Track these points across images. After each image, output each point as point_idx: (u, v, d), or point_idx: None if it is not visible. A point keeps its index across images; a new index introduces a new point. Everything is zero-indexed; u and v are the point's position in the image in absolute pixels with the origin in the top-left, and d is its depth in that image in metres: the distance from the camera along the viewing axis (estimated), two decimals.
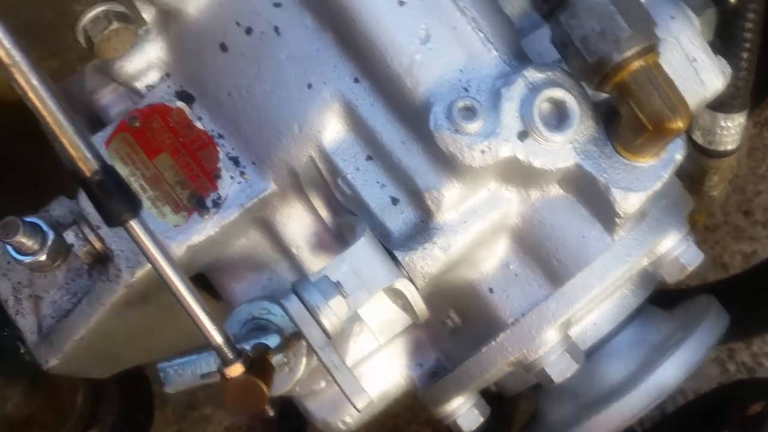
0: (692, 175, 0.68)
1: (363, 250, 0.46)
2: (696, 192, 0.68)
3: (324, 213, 0.54)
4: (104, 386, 0.71)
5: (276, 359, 0.47)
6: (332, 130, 0.49)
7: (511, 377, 0.55)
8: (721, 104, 0.60)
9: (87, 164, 0.34)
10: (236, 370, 0.37)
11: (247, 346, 0.46)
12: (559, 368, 0.48)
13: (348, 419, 0.58)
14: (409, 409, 0.91)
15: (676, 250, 0.50)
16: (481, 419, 0.56)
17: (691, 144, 0.65)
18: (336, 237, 0.55)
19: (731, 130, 0.62)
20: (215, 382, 0.48)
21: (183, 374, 0.48)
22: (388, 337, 0.57)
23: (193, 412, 0.93)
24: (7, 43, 0.32)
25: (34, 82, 0.33)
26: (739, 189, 0.93)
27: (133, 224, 0.35)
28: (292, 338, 0.41)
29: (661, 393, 0.49)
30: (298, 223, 0.54)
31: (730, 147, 0.64)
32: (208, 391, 0.94)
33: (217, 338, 0.37)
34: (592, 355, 0.53)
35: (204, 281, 0.60)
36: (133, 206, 0.35)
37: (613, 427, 0.50)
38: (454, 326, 0.55)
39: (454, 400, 0.56)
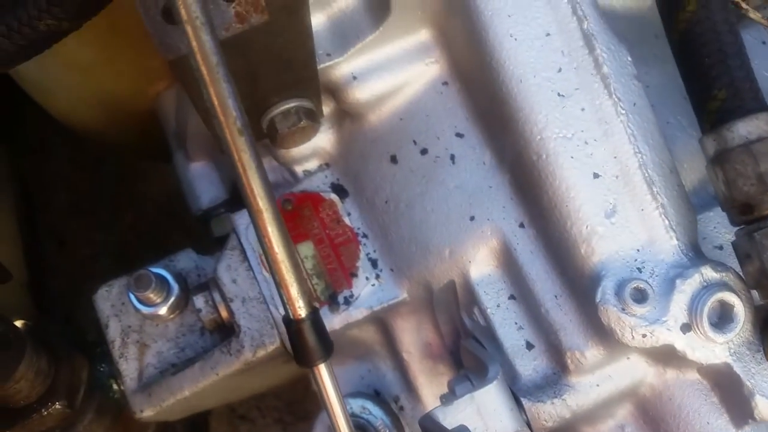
0: None
1: (494, 394, 0.46)
2: None
3: (445, 330, 0.55)
4: (170, 425, 0.72)
5: None
6: (482, 263, 0.50)
7: None
8: None
9: (299, 309, 0.35)
10: None
11: None
12: None
13: None
14: None
15: None
16: None
17: None
18: (449, 352, 0.56)
19: None
20: None
21: None
22: None
23: None
24: (258, 188, 0.33)
25: (273, 217, 0.34)
26: None
27: (321, 368, 0.36)
28: None
29: None
30: (416, 331, 0.55)
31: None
32: (249, 427, 0.95)
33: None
34: None
35: None
36: (327, 353, 0.36)
37: None
38: None
39: None
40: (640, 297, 0.44)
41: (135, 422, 0.67)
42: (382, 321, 0.56)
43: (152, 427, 0.68)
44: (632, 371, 0.48)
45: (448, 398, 0.47)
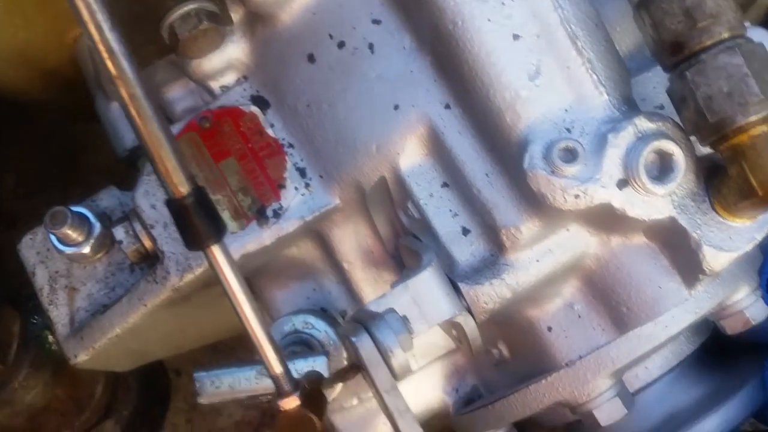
0: None
1: (428, 280, 0.44)
2: None
3: (383, 231, 0.52)
4: (122, 378, 0.69)
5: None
6: (412, 153, 0.48)
7: (550, 413, 0.54)
8: None
9: (179, 186, 0.32)
10: (292, 402, 0.36)
11: (292, 365, 0.45)
12: (608, 413, 0.47)
13: None
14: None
15: (743, 303, 0.49)
16: None
17: None
18: (391, 256, 0.53)
19: None
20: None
21: (220, 387, 0.46)
22: (427, 360, 0.56)
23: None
24: (119, 53, 0.29)
25: (138, 94, 0.30)
26: None
27: (214, 249, 0.33)
28: (349, 373, 0.40)
29: None
30: (354, 238, 0.53)
31: None
32: None
33: (277, 368, 0.35)
34: (635, 395, 0.52)
35: None
36: (218, 232, 0.33)
37: None
38: (500, 358, 0.54)
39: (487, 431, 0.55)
40: (570, 156, 0.41)
41: (82, 376, 0.65)
42: (318, 233, 0.53)
43: (102, 382, 0.66)
44: (573, 243, 0.46)
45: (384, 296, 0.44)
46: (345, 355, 0.50)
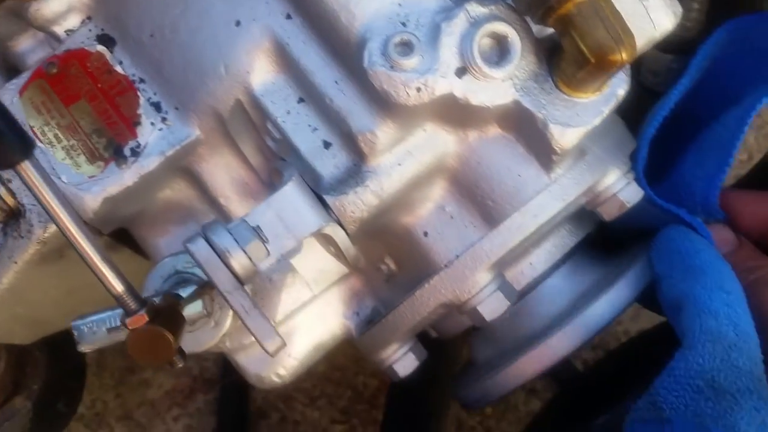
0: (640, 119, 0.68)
1: (289, 194, 0.43)
2: None
3: (254, 160, 0.51)
4: (28, 353, 0.67)
5: (195, 311, 0.45)
6: (261, 70, 0.46)
7: (446, 320, 0.55)
8: (670, 46, 0.59)
9: None
10: (139, 320, 0.35)
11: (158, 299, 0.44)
12: (491, 307, 0.48)
13: (282, 371, 0.56)
14: (355, 362, 0.91)
15: (615, 187, 0.50)
16: (417, 363, 0.56)
17: (639, 86, 0.64)
18: (268, 186, 0.52)
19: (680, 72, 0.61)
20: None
21: (97, 331, 0.45)
22: (322, 287, 0.55)
23: (131, 377, 0.90)
24: None
25: None
26: None
27: (25, 167, 0.32)
28: (206, 286, 0.39)
29: (589, 332, 0.49)
30: (226, 172, 0.51)
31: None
32: None
33: (118, 287, 0.35)
34: (527, 294, 0.53)
35: (128, 236, 0.57)
36: (25, 148, 0.31)
37: (544, 364, 0.50)
38: (389, 272, 0.54)
39: (389, 346, 0.55)
40: (407, 50, 0.41)
41: None
42: (188, 171, 0.52)
43: (4, 357, 0.64)
44: (432, 143, 0.45)
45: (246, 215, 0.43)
46: None
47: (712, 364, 0.40)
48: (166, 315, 0.36)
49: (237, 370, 0.58)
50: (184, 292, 0.44)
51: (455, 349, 0.77)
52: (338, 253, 0.48)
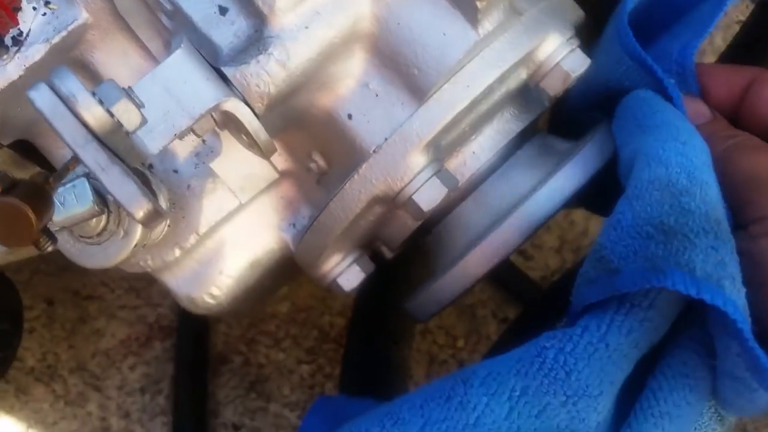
0: None
1: (178, 64, 0.38)
2: None
3: (152, 44, 0.45)
4: None
5: (86, 207, 0.40)
6: None
7: (389, 223, 0.49)
8: None
9: None
10: None
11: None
12: (428, 195, 0.42)
13: (215, 291, 0.51)
14: (321, 301, 0.86)
15: (558, 55, 0.44)
16: (363, 275, 0.51)
17: None
18: None
19: None
20: None
21: None
22: (250, 195, 0.50)
23: (84, 327, 0.85)
24: None
25: None
26: None
27: None
28: (72, 160, 0.33)
29: (533, 223, 0.44)
30: (123, 61, 0.46)
31: None
32: (99, 304, 0.87)
33: None
34: (478, 186, 0.48)
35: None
36: None
37: (485, 264, 0.45)
38: (320, 170, 0.48)
39: (330, 258, 0.50)
40: None
41: None
42: (81, 63, 0.46)
43: None
44: (342, 1, 0.40)
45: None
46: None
47: (660, 210, 0.35)
48: (27, 189, 0.31)
49: (169, 292, 0.54)
50: (77, 182, 0.39)
51: (419, 271, 0.72)
52: (250, 141, 0.42)
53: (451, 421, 0.37)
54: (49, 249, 0.33)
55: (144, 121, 0.32)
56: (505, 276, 0.88)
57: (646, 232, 0.36)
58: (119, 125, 0.31)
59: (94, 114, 0.31)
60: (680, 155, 0.37)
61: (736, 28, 0.86)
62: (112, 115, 0.31)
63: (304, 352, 0.85)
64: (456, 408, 0.37)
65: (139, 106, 0.33)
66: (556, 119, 0.54)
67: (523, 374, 0.37)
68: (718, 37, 0.88)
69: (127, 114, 0.32)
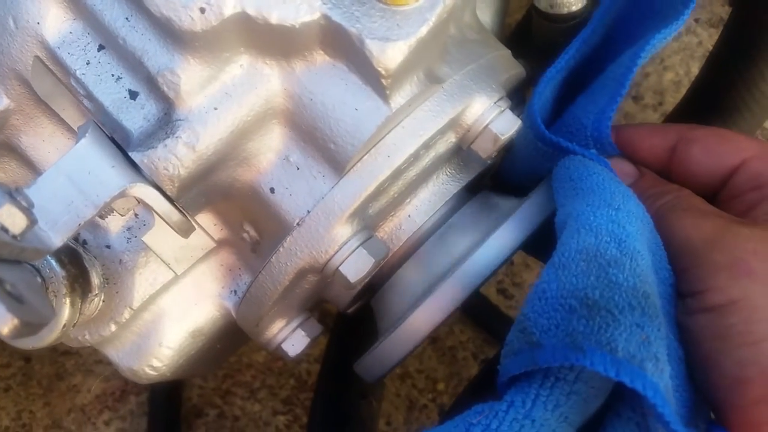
0: (544, 52, 0.61)
1: (82, 154, 0.37)
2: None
3: (77, 125, 0.45)
4: None
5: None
6: (54, 19, 0.40)
7: (328, 288, 0.49)
8: None
9: None
10: None
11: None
12: (355, 266, 0.42)
13: (156, 363, 0.51)
14: None
15: (485, 118, 0.43)
16: (308, 340, 0.50)
17: (535, 13, 0.58)
18: None
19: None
20: None
21: None
22: (186, 265, 0.49)
23: (60, 383, 0.85)
24: None
25: None
26: None
27: None
28: None
29: (472, 283, 0.43)
30: (51, 144, 0.45)
31: (575, 8, 0.56)
32: (76, 360, 0.86)
33: None
34: (418, 248, 0.47)
35: None
36: None
37: (427, 326, 0.44)
38: (252, 240, 0.48)
39: (272, 324, 0.49)
40: None
41: None
42: (9, 147, 0.46)
43: None
44: (252, 79, 0.39)
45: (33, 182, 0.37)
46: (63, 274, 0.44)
47: (586, 281, 0.34)
48: None
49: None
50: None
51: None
52: (163, 221, 0.42)
53: None
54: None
55: (32, 223, 0.32)
56: (485, 316, 0.87)
57: (570, 306, 0.35)
58: (4, 233, 0.31)
59: None
60: (612, 222, 0.36)
61: None
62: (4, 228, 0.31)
63: (280, 403, 0.84)
64: None
65: (28, 207, 0.32)
66: (501, 175, 0.53)
67: None
68: (694, 67, 0.86)
69: (11, 218, 0.32)
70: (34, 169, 0.47)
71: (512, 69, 0.47)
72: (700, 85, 0.63)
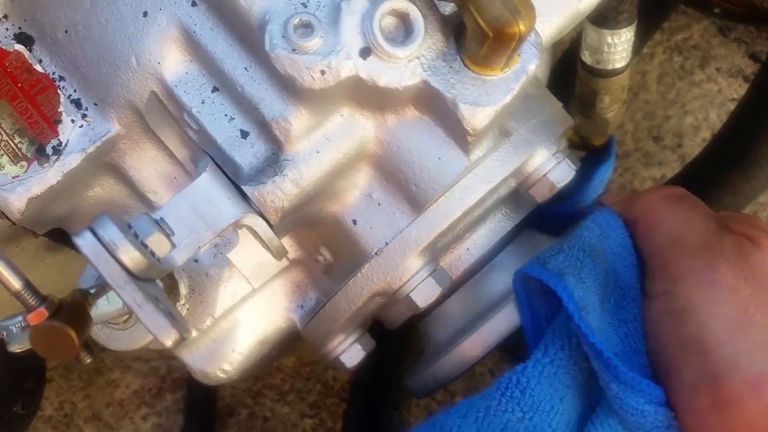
0: (583, 98, 0.67)
1: (203, 185, 0.42)
2: (589, 116, 0.67)
3: (179, 153, 0.50)
4: None
5: (115, 308, 0.44)
6: (173, 60, 0.46)
7: (388, 309, 0.54)
8: (606, 20, 0.58)
9: None
10: (39, 316, 0.34)
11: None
12: (424, 294, 0.47)
13: (226, 367, 0.56)
14: None
15: (544, 168, 0.49)
16: (364, 353, 0.55)
17: (581, 65, 0.64)
18: (194, 179, 0.52)
19: (618, 47, 0.61)
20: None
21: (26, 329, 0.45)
22: (262, 281, 0.55)
23: (99, 378, 0.90)
24: None
25: None
26: (649, 115, 0.93)
27: None
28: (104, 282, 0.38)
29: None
30: (152, 166, 0.51)
31: (618, 65, 0.62)
32: (115, 356, 0.91)
33: (16, 284, 0.34)
34: (469, 280, 0.52)
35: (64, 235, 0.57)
36: None
37: (483, 347, 0.50)
38: (326, 263, 0.53)
39: (334, 338, 0.54)
40: (307, 31, 0.40)
41: None
42: (114, 167, 0.51)
43: None
44: (350, 128, 0.45)
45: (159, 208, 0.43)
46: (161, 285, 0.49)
47: None
48: (70, 311, 0.36)
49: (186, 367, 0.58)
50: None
51: (415, 339, 0.77)
52: (264, 246, 0.47)
53: None
54: (88, 361, 0.37)
55: (173, 247, 0.37)
56: None
57: None
58: (152, 256, 0.36)
59: (131, 257, 0.35)
60: None
61: (730, 105, 0.92)
62: (146, 246, 0.36)
63: (307, 406, 0.89)
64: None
65: (170, 234, 0.37)
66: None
67: (486, 396, 0.42)
68: (712, 113, 0.93)
69: (159, 245, 0.37)
70: (132, 187, 0.52)
71: (566, 122, 0.53)
72: (722, 138, 0.69)
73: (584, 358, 0.42)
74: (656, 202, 0.47)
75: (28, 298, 0.35)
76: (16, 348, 0.47)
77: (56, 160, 0.48)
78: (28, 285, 0.35)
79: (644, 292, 0.44)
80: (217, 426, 0.87)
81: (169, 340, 0.34)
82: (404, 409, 0.75)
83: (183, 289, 0.53)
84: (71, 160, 0.48)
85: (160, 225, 0.38)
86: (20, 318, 0.46)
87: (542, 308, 0.45)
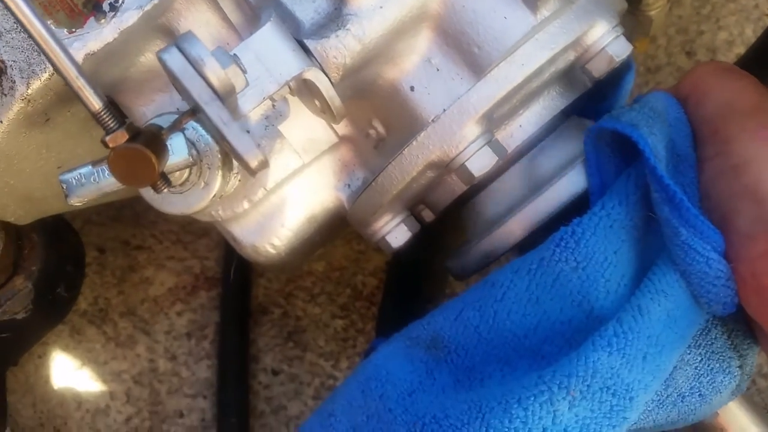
0: None
1: (268, 37, 0.42)
2: (633, 14, 0.66)
3: (234, 16, 0.50)
4: (26, 235, 0.68)
5: (182, 158, 0.44)
6: None
7: (437, 188, 0.54)
8: None
9: None
10: (119, 137, 0.34)
11: None
12: (480, 163, 0.47)
13: (276, 241, 0.57)
14: (354, 262, 0.91)
15: (604, 41, 0.48)
16: (410, 234, 0.56)
17: None
18: None
19: None
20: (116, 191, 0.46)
21: (85, 183, 0.45)
22: (312, 156, 0.55)
23: (133, 275, 0.91)
24: None
25: None
26: (682, 30, 0.91)
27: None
28: (186, 114, 0.38)
29: (572, 191, 0.49)
30: (205, 30, 0.50)
31: None
32: (148, 254, 0.92)
33: (96, 104, 0.34)
34: (522, 156, 0.52)
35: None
36: None
37: (539, 217, 0.49)
38: (378, 137, 0.53)
39: (381, 217, 0.55)
40: None
41: None
42: (167, 30, 0.51)
43: (2, 238, 0.65)
44: None
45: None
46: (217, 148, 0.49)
47: None
48: (148, 137, 0.36)
49: (232, 243, 0.59)
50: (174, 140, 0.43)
51: (451, 239, 0.77)
52: (324, 107, 0.47)
53: (483, 300, 0.43)
54: (164, 191, 0.37)
55: (246, 84, 0.37)
56: None
57: None
58: (234, 86, 0.36)
59: (218, 76, 0.35)
60: None
61: (767, 21, 0.90)
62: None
63: (338, 308, 0.90)
64: (488, 288, 0.43)
65: (244, 71, 0.37)
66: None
67: (540, 249, 0.43)
68: (748, 29, 0.91)
69: (236, 77, 0.37)
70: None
71: (622, 3, 0.52)
72: (758, 47, 0.68)
73: (641, 215, 0.42)
74: (705, 75, 0.47)
75: (107, 119, 0.35)
76: (75, 201, 0.48)
77: (113, 16, 0.48)
78: (108, 106, 0.35)
79: (698, 158, 0.44)
80: (251, 323, 0.88)
81: (254, 160, 0.34)
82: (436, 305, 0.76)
83: None
84: (128, 17, 0.48)
85: (236, 60, 0.38)
86: (80, 170, 0.47)
87: (612, 165, 0.45)
